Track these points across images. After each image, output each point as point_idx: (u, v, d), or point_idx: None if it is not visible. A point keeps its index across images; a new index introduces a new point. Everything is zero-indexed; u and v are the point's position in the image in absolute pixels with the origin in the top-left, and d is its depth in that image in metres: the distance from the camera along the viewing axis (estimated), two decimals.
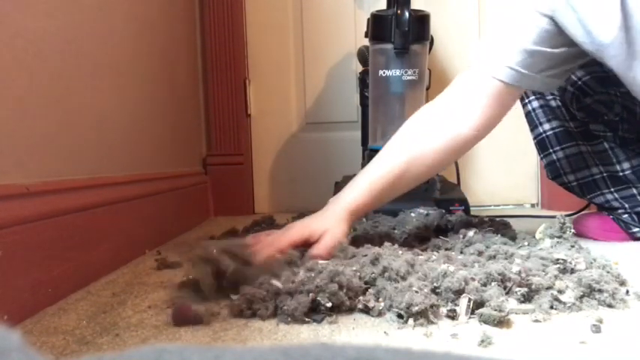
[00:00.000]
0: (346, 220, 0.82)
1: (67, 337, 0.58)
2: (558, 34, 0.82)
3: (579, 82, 1.02)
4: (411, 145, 0.86)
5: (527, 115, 1.13)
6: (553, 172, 1.12)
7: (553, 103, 1.09)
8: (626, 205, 1.04)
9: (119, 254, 0.92)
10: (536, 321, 0.59)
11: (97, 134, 0.91)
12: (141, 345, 0.56)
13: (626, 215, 1.04)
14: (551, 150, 1.11)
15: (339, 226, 0.80)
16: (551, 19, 0.81)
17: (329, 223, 0.80)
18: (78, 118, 0.84)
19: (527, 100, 1.12)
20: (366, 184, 0.84)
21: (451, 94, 0.88)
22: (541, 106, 1.10)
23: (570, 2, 0.79)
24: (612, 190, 1.06)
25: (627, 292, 0.67)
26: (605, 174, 1.06)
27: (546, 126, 1.11)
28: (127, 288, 0.78)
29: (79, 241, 0.78)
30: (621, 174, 1.05)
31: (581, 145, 1.08)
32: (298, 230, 0.80)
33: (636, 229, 1.03)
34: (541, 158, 1.15)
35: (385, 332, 0.57)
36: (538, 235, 0.95)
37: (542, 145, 1.12)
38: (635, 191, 1.04)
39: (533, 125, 1.13)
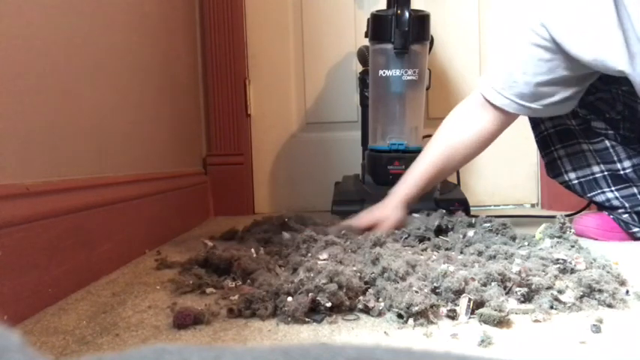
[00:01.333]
0: (400, 208, 1.04)
1: (67, 337, 0.58)
2: (558, 59, 0.91)
3: None
4: (448, 142, 1.06)
5: None
6: (554, 170, 1.12)
7: None
8: (627, 205, 1.04)
9: (119, 254, 0.92)
10: (536, 321, 0.59)
11: (97, 134, 0.91)
12: (141, 345, 0.56)
13: (626, 215, 1.04)
14: (552, 148, 1.11)
15: (394, 215, 1.02)
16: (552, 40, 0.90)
17: (387, 212, 1.03)
18: (78, 118, 0.84)
19: None
20: (415, 177, 1.06)
21: (470, 106, 1.06)
22: None
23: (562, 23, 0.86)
24: (613, 188, 1.06)
25: (627, 292, 0.67)
26: (606, 172, 1.06)
27: (548, 124, 1.11)
28: (127, 288, 0.78)
29: (79, 241, 0.78)
30: (622, 172, 1.05)
31: (583, 143, 1.08)
32: (366, 218, 1.03)
33: (636, 229, 1.03)
34: (542, 156, 1.15)
35: (385, 332, 0.57)
36: (538, 235, 0.95)
37: (543, 143, 1.13)
38: (635, 190, 1.04)
39: (534, 123, 1.14)
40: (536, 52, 0.92)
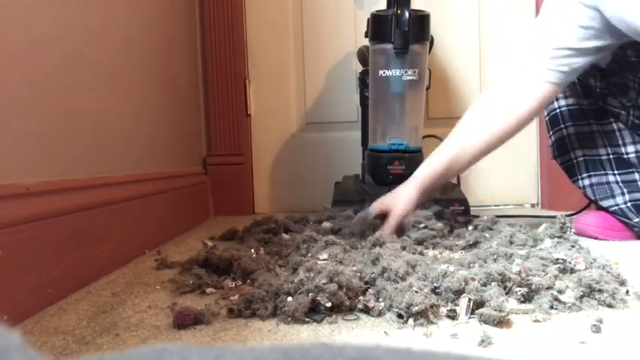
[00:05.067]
0: (413, 198, 0.99)
1: (67, 337, 0.58)
2: (600, 26, 0.89)
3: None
4: (482, 128, 1.00)
5: None
6: (560, 148, 1.13)
7: None
8: (625, 190, 1.04)
9: (119, 254, 0.92)
10: (536, 321, 0.59)
11: (97, 134, 0.91)
12: (141, 345, 0.56)
13: (623, 206, 1.04)
14: (562, 125, 1.12)
15: (403, 201, 0.98)
16: (595, 9, 0.88)
17: (396, 200, 0.99)
18: (78, 118, 0.84)
19: None
20: (432, 166, 1.01)
21: (508, 87, 1.01)
22: None
23: None
24: (616, 172, 1.07)
25: (627, 292, 0.67)
26: (612, 156, 1.07)
27: (562, 102, 1.12)
28: (127, 288, 0.78)
29: (79, 241, 0.78)
30: (625, 157, 1.06)
31: (593, 124, 1.09)
32: (377, 206, 1.02)
33: (637, 219, 1.02)
34: (550, 136, 1.15)
35: (385, 332, 0.57)
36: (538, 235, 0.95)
37: (554, 120, 1.14)
38: (637, 176, 1.05)
39: None
40: (580, 21, 0.91)
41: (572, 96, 1.11)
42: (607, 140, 1.08)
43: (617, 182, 1.06)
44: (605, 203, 1.07)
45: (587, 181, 1.11)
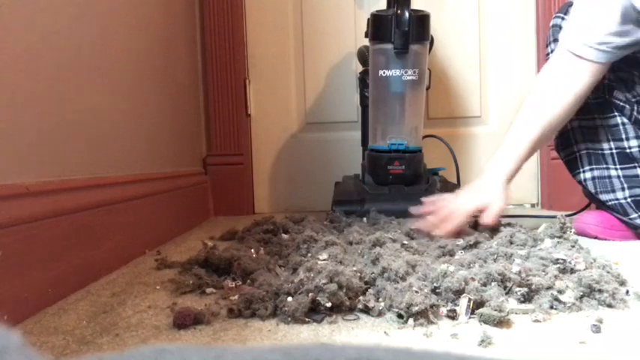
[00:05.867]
0: (505, 189, 1.00)
1: (67, 337, 0.58)
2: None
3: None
4: (543, 112, 1.02)
5: None
6: (563, 142, 1.14)
7: None
8: (625, 185, 1.04)
9: (119, 254, 0.92)
10: (536, 321, 0.59)
11: (97, 134, 0.91)
12: (141, 345, 0.56)
13: (623, 201, 1.04)
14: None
15: (500, 198, 0.98)
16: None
17: (492, 196, 0.98)
18: (78, 118, 0.84)
19: None
20: (516, 152, 1.02)
21: (557, 68, 1.03)
22: None
23: None
24: (618, 166, 1.07)
25: (627, 292, 0.67)
26: (614, 150, 1.08)
27: None
28: (127, 288, 0.78)
29: (79, 241, 0.78)
30: (628, 151, 1.06)
31: (597, 118, 1.09)
32: (473, 204, 0.98)
33: (635, 215, 1.03)
34: None
35: (385, 332, 0.57)
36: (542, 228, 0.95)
37: None
38: (638, 171, 1.05)
39: None
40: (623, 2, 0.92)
41: None
42: (610, 134, 1.08)
43: (618, 177, 1.06)
44: (604, 197, 1.07)
45: (588, 174, 1.11)
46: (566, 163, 1.15)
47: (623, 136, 1.07)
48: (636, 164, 1.05)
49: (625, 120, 1.07)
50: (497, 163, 1.03)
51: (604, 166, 1.08)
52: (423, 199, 1.06)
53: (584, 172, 1.11)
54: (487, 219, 0.96)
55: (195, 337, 0.58)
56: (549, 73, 1.05)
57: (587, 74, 0.99)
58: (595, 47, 0.96)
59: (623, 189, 1.05)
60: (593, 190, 1.10)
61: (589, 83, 1.00)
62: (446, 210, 0.98)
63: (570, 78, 1.00)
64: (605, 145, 1.09)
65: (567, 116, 1.04)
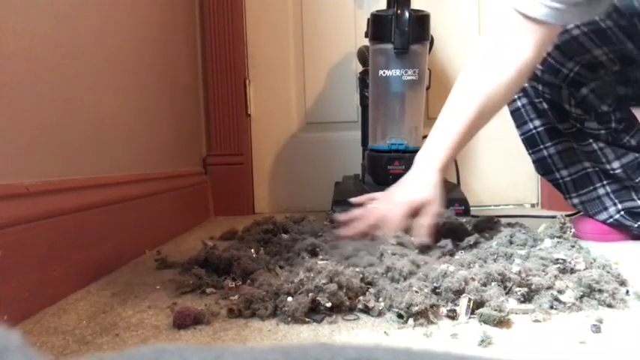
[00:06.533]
0: (440, 182, 0.86)
1: (67, 337, 0.58)
2: None
3: (571, 74, 1.01)
4: (481, 86, 0.88)
5: (516, 111, 1.11)
6: (544, 168, 1.11)
7: (540, 106, 1.08)
8: (616, 200, 1.04)
9: (119, 254, 0.92)
10: (536, 321, 0.59)
11: (97, 134, 0.91)
12: (141, 345, 0.56)
13: (617, 216, 1.04)
14: (542, 146, 1.10)
15: (436, 193, 0.85)
16: None
17: (427, 191, 0.85)
18: (78, 118, 0.84)
19: (516, 97, 1.10)
20: (450, 137, 0.87)
21: (501, 36, 0.89)
22: (530, 103, 1.09)
23: None
24: (605, 183, 1.06)
25: (627, 292, 0.67)
26: (597, 168, 1.06)
27: (537, 122, 1.09)
28: (127, 288, 0.78)
29: (79, 241, 0.78)
30: (612, 172, 1.05)
31: (573, 142, 1.08)
32: (406, 204, 0.84)
33: (636, 225, 1.02)
34: (530, 154, 1.13)
35: (385, 332, 0.57)
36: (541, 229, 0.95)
37: (531, 141, 1.11)
38: (626, 184, 1.04)
39: (521, 121, 1.11)
40: None
41: (548, 118, 1.08)
42: (590, 160, 1.06)
43: (607, 194, 1.05)
44: (600, 217, 1.06)
45: (576, 200, 1.10)
46: (554, 186, 1.13)
47: (604, 160, 1.05)
48: (623, 182, 1.04)
49: (602, 144, 1.04)
50: (429, 151, 0.88)
51: (590, 187, 1.07)
52: (352, 199, 0.94)
53: (571, 197, 1.10)
54: (424, 221, 0.83)
55: (195, 337, 0.58)
56: (491, 40, 0.91)
57: (534, 40, 0.85)
58: (546, 3, 0.81)
59: (615, 204, 1.04)
60: (586, 214, 1.10)
61: (536, 50, 0.85)
62: (376, 213, 0.86)
63: (514, 45, 0.87)
64: (588, 164, 1.07)
65: (508, 92, 0.90)
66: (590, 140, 1.05)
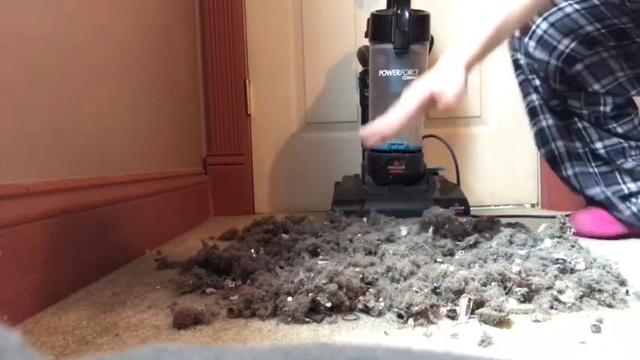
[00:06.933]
0: (465, 71, 0.85)
1: (67, 337, 0.58)
2: None
3: (567, 51, 1.03)
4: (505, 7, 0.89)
5: (522, 83, 1.16)
6: (542, 139, 1.15)
7: (533, 82, 1.12)
8: (602, 183, 1.07)
9: (119, 254, 0.92)
10: (536, 321, 0.59)
11: (97, 134, 0.91)
12: (141, 345, 0.56)
13: (610, 195, 1.06)
14: (541, 116, 1.14)
15: (460, 77, 0.83)
16: None
17: (450, 76, 0.83)
18: (78, 118, 0.84)
19: (518, 72, 1.15)
20: (479, 36, 0.87)
21: None
22: (526, 80, 1.14)
23: None
24: (593, 164, 1.10)
25: (627, 292, 0.67)
26: (587, 149, 1.10)
27: (535, 96, 1.14)
28: (127, 288, 0.78)
29: (79, 241, 0.78)
30: (597, 152, 1.09)
31: (564, 121, 1.12)
32: (427, 87, 0.83)
33: (616, 202, 1.05)
34: (532, 126, 1.17)
35: (385, 332, 0.57)
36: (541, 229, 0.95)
37: (533, 111, 1.15)
38: (611, 167, 1.07)
39: (526, 92, 1.16)
40: None
41: (545, 94, 1.12)
42: (577, 138, 1.11)
43: (595, 174, 1.09)
44: (590, 192, 1.09)
45: (570, 171, 1.13)
46: (548, 161, 1.16)
47: (588, 140, 1.09)
48: (607, 162, 1.08)
49: (586, 124, 1.09)
50: (458, 47, 0.89)
51: (582, 162, 1.11)
52: (361, 131, 0.89)
53: (565, 168, 1.13)
54: (446, 100, 0.82)
55: (195, 337, 0.58)
56: None
57: None
58: None
59: (606, 185, 1.07)
60: (577, 186, 1.12)
61: None
62: (426, 85, 0.85)
63: None
64: (578, 144, 1.11)
65: (530, 9, 0.91)
66: (575, 119, 1.10)
